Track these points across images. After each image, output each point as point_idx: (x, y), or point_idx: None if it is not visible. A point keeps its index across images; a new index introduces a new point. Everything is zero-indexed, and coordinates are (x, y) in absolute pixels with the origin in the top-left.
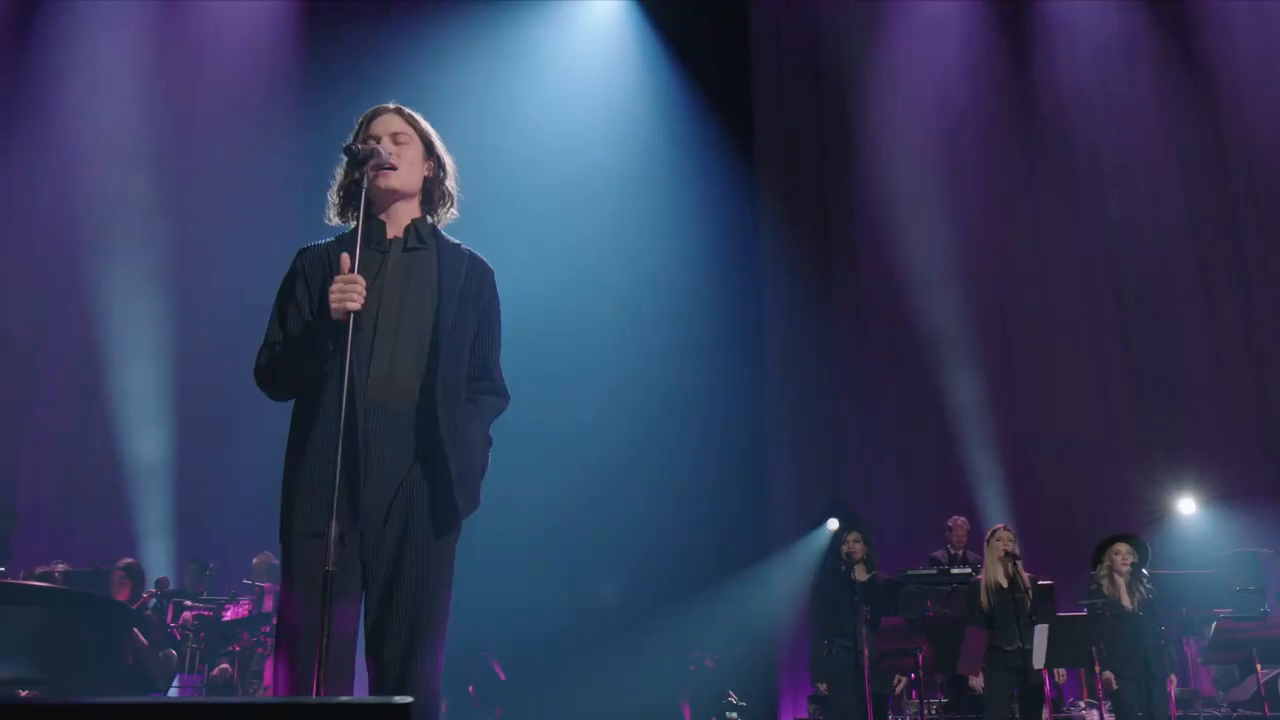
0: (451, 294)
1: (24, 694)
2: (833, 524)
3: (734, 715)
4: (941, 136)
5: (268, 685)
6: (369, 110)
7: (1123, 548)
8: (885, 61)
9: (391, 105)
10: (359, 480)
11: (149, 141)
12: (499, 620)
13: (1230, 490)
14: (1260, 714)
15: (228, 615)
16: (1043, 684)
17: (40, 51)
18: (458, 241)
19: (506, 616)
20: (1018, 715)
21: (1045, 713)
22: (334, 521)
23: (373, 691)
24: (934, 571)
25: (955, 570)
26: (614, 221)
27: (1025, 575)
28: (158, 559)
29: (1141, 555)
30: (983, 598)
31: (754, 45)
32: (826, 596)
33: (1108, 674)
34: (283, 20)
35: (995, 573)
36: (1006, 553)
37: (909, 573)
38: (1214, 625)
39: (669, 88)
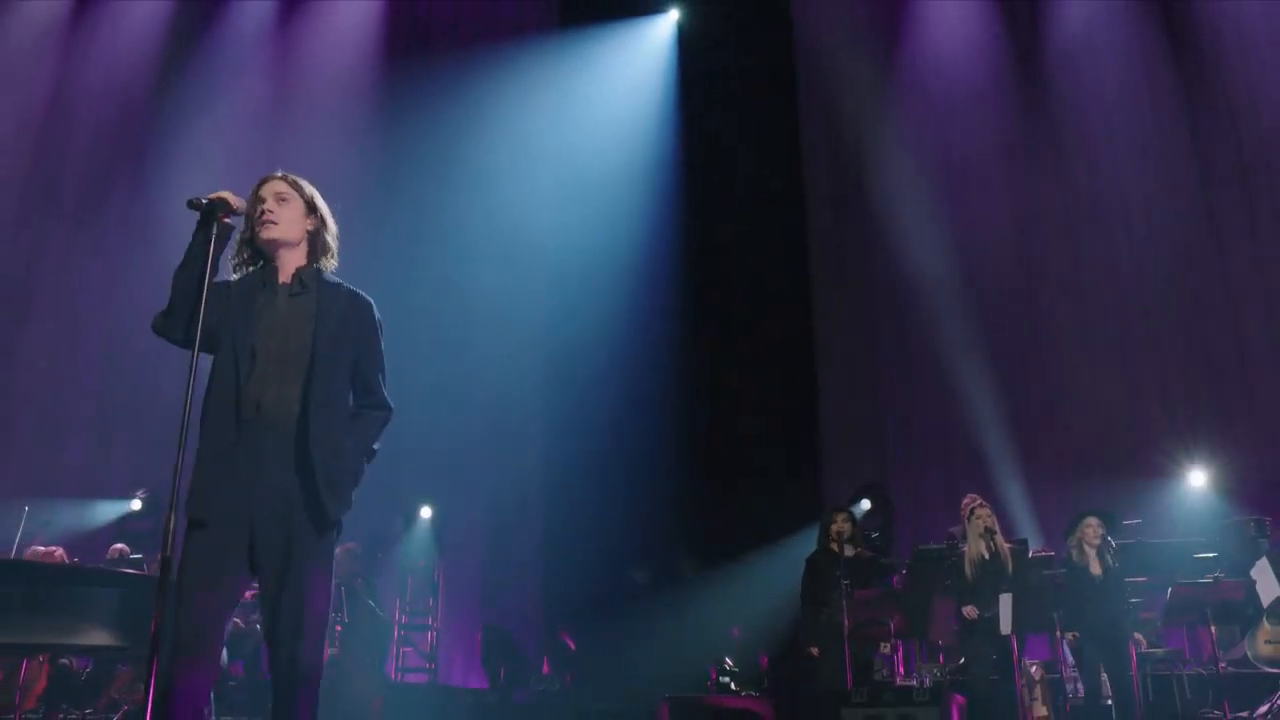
0: (326, 328)
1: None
2: (865, 505)
3: (726, 679)
4: (966, 129)
5: None
6: (260, 178)
7: (1093, 521)
8: (908, 57)
9: (278, 173)
10: (247, 485)
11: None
12: (575, 596)
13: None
14: (1248, 671)
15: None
16: (1011, 648)
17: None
18: (338, 281)
19: (583, 590)
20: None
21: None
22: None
23: (270, 667)
24: (944, 546)
25: (963, 546)
26: (676, 210)
27: (1005, 547)
28: None
29: (1110, 527)
30: (967, 570)
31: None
32: (817, 569)
33: (1070, 635)
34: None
35: (978, 547)
36: (986, 528)
37: (920, 548)
38: (1170, 589)
39: (713, 102)
